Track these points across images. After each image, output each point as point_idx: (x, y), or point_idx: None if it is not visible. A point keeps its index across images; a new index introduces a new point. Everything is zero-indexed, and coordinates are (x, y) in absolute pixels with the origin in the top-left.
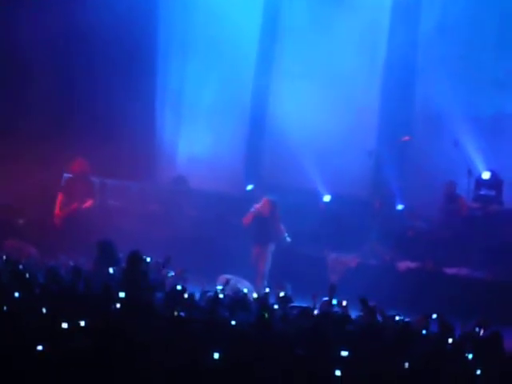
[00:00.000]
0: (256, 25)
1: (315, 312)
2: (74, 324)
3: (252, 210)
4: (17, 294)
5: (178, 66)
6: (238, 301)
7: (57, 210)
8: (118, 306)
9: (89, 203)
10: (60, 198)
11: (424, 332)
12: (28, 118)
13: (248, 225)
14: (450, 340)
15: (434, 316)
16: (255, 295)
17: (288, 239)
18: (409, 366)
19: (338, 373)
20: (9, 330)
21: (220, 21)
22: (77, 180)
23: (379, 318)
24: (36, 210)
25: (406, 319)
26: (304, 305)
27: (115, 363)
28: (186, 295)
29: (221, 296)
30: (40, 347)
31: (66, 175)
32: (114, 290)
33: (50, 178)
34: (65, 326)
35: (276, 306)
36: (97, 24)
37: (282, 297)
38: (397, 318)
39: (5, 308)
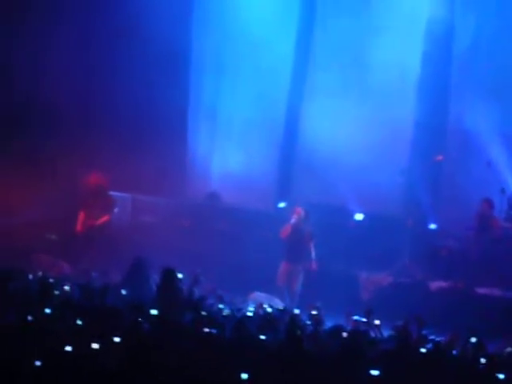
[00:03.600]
0: (290, 41)
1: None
2: (106, 340)
3: (290, 222)
4: (48, 311)
5: (213, 81)
6: (268, 320)
7: (78, 227)
8: (148, 324)
9: (105, 218)
10: (81, 214)
11: (455, 352)
12: (59, 132)
13: (286, 238)
14: (483, 360)
15: (474, 340)
16: (281, 308)
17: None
18: None
19: None
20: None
21: (254, 37)
22: (94, 195)
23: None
24: (67, 226)
25: (438, 338)
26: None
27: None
28: (222, 312)
29: (251, 314)
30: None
31: (84, 191)
32: (145, 307)
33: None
34: (96, 346)
35: (306, 323)
36: (129, 37)
37: (314, 315)
38: (430, 337)
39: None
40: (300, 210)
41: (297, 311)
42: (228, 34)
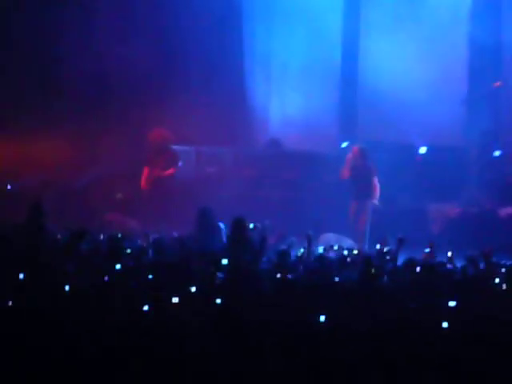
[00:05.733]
0: None
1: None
2: (185, 293)
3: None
4: (118, 266)
5: (265, 28)
6: (341, 260)
7: (142, 184)
8: (222, 274)
9: (170, 171)
10: (145, 171)
11: None
12: (117, 92)
13: (346, 177)
14: None
15: None
16: (355, 251)
17: (376, 202)
18: None
19: (445, 324)
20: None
21: None
22: (157, 150)
23: (482, 266)
24: (133, 183)
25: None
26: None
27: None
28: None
29: (324, 255)
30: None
31: (148, 148)
32: (217, 257)
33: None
34: (175, 300)
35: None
36: None
37: (386, 252)
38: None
39: (106, 278)
40: (356, 148)
41: (368, 250)
42: None
